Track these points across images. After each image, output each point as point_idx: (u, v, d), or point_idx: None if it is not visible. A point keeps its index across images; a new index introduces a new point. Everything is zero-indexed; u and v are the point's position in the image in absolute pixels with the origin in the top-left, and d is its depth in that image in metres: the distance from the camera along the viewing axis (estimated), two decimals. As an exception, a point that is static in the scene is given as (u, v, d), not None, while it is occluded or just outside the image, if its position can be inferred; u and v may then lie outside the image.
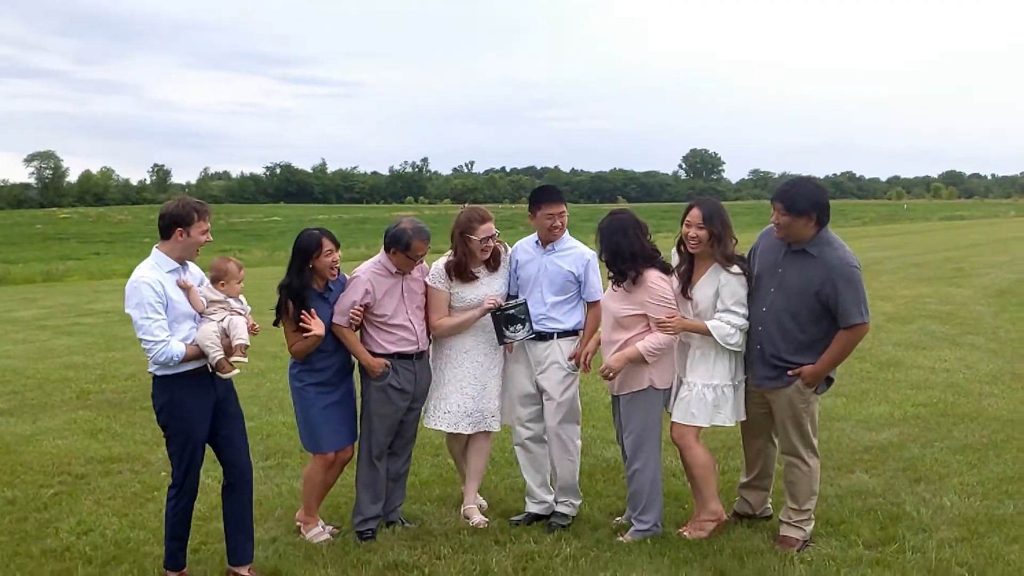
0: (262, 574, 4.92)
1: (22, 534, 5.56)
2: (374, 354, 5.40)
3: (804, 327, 4.99)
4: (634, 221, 5.32)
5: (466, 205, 6.16)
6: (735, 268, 5.10)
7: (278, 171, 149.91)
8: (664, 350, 5.22)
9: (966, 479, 6.21)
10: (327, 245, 5.23)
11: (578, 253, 5.63)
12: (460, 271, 5.52)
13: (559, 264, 5.58)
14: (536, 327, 5.52)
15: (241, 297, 4.95)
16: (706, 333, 5.10)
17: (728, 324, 5.07)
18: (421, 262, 5.48)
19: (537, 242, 5.66)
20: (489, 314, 5.50)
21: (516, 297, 5.62)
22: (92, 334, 14.11)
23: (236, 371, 4.78)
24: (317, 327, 5.14)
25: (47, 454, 7.29)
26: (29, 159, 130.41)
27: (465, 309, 5.55)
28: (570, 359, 5.56)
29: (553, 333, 5.57)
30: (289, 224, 57.50)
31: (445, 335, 5.63)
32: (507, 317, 5.46)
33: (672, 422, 5.29)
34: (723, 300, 5.08)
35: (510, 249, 5.78)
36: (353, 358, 5.50)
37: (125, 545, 5.34)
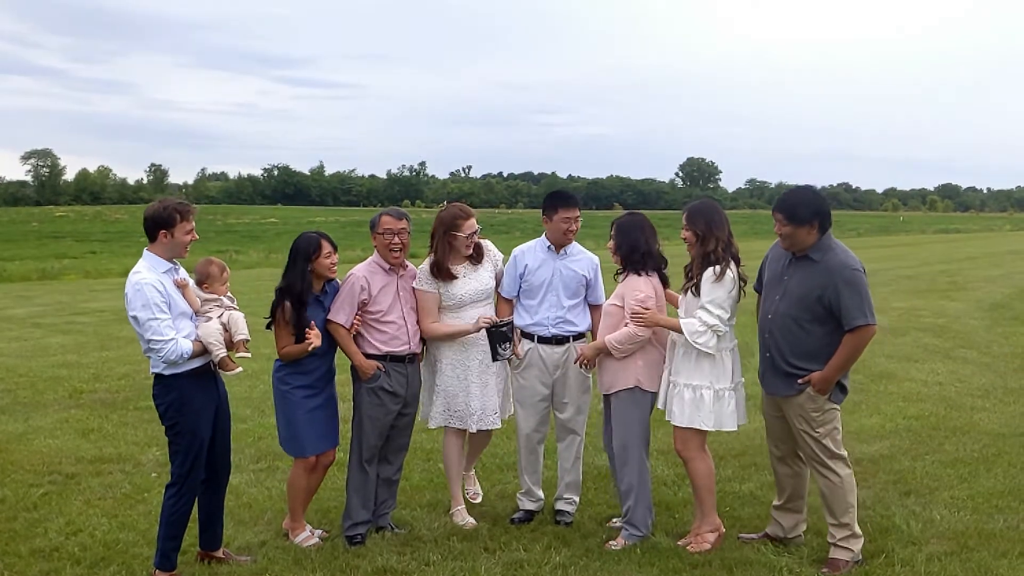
0: (251, 577, 4.91)
1: (11, 533, 5.54)
2: (366, 355, 5.41)
3: (809, 332, 4.97)
4: (650, 224, 5.49)
5: (445, 204, 6.19)
6: (717, 269, 5.07)
7: (276, 173, 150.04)
8: (628, 344, 5.26)
9: (956, 493, 6.22)
10: (326, 247, 5.26)
11: (588, 257, 5.79)
12: (439, 270, 5.52)
13: (574, 268, 5.71)
14: (553, 330, 5.66)
15: (229, 293, 5.05)
16: (679, 330, 5.12)
17: (698, 320, 5.06)
18: (406, 249, 5.47)
19: (550, 247, 5.73)
20: (484, 328, 5.51)
21: (501, 289, 5.76)
22: (86, 333, 14.09)
23: (239, 369, 4.87)
24: (316, 338, 5.17)
25: (38, 453, 7.27)
26: (26, 157, 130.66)
27: (457, 306, 5.56)
28: (575, 362, 5.61)
29: (570, 336, 5.69)
30: (286, 226, 57.45)
31: (437, 341, 5.66)
32: (500, 335, 5.49)
33: (674, 429, 5.28)
34: (700, 298, 5.09)
35: (491, 245, 5.82)
36: (337, 362, 5.51)
37: (114, 546, 5.32)
